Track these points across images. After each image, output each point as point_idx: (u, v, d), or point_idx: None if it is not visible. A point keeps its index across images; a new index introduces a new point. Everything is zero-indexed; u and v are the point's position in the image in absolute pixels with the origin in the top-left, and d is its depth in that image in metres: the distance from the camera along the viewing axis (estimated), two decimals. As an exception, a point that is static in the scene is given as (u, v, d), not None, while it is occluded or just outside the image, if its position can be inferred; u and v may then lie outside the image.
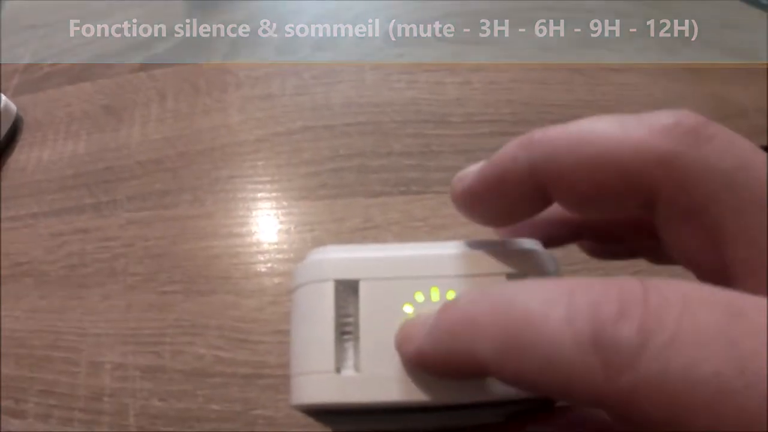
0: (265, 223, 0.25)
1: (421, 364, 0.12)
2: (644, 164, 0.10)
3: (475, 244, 0.15)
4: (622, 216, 0.12)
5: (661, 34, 0.33)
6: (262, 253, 0.24)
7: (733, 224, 0.10)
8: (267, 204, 0.26)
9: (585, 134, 0.11)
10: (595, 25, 0.33)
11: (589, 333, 0.08)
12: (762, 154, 0.10)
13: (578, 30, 0.32)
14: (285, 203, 0.26)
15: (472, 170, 0.13)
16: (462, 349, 0.10)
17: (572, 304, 0.09)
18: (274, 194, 0.26)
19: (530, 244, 0.15)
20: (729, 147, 0.10)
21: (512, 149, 0.12)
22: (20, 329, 0.24)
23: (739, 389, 0.08)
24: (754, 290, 0.10)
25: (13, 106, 0.31)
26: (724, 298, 0.08)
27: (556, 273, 0.15)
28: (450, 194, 0.13)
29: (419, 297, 0.14)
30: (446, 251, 0.15)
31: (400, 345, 0.13)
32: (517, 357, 0.09)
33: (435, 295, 0.14)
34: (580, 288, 0.09)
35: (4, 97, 0.30)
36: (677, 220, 0.11)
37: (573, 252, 0.21)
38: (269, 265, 0.24)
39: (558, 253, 0.15)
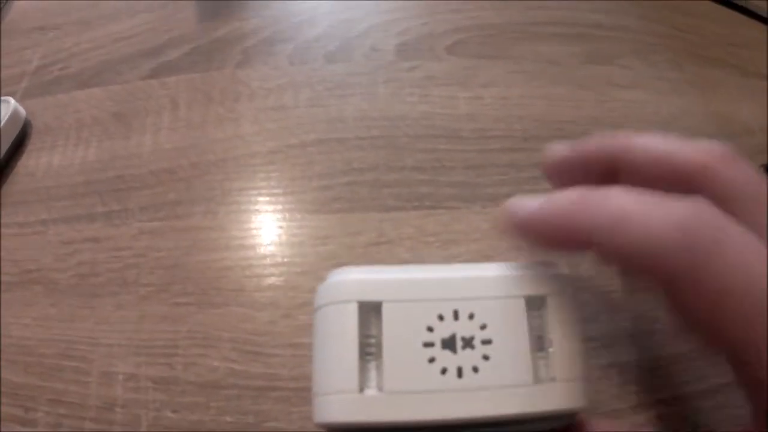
0: (278, 236, 0.25)
1: (533, 224, 0.15)
2: (692, 167, 0.14)
3: (495, 267, 0.15)
4: None
5: (669, 50, 0.33)
6: (275, 265, 0.24)
7: (747, 217, 0.13)
8: (280, 216, 0.26)
9: (654, 140, 0.15)
10: (603, 40, 0.33)
11: (680, 224, 0.12)
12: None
13: (587, 45, 0.33)
14: (298, 216, 0.26)
15: (563, 145, 0.17)
16: (579, 216, 0.13)
17: (669, 205, 0.13)
18: (287, 207, 0.26)
19: (548, 265, 0.15)
20: (747, 170, 0.14)
21: (599, 139, 0.16)
22: (30, 337, 0.24)
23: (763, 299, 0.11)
24: None
25: (22, 110, 0.31)
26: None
27: (572, 294, 0.15)
28: (542, 165, 0.18)
29: (441, 318, 0.14)
30: (467, 273, 0.15)
31: (511, 209, 0.15)
32: (626, 231, 0.12)
33: (456, 316, 0.14)
34: (672, 200, 0.13)
35: (12, 101, 0.30)
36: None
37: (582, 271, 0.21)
38: (282, 278, 0.24)
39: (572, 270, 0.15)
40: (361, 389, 0.14)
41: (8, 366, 0.23)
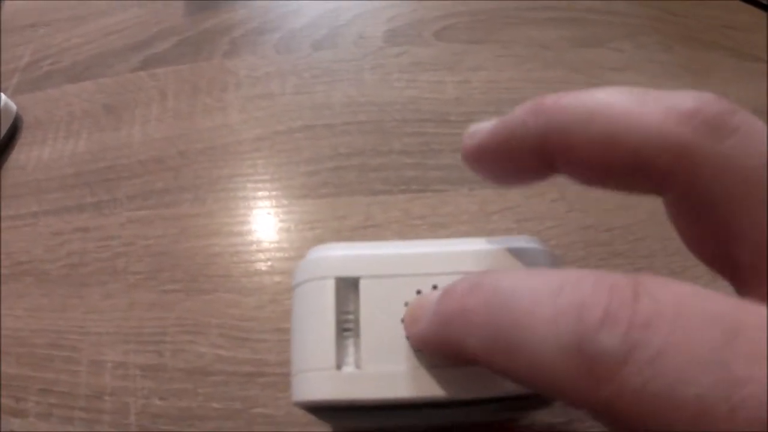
0: (266, 222, 0.25)
1: (423, 347, 0.13)
2: (658, 152, 0.09)
3: (474, 242, 0.15)
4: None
5: (660, 33, 0.33)
6: (262, 251, 0.24)
7: (745, 228, 0.09)
8: (267, 202, 0.26)
9: (599, 108, 0.10)
10: (595, 24, 0.33)
11: (572, 338, 0.08)
12: None
13: (577, 29, 0.33)
14: (285, 202, 0.26)
15: (483, 127, 0.13)
16: (455, 340, 0.11)
17: (558, 305, 0.08)
18: (274, 193, 0.26)
19: (528, 241, 0.15)
20: (750, 143, 0.09)
21: (523, 113, 0.11)
22: (21, 328, 0.24)
23: (723, 415, 0.07)
24: (762, 298, 0.09)
25: (12, 105, 0.31)
26: (722, 310, 0.08)
27: (555, 266, 0.15)
28: (461, 149, 0.13)
29: (419, 294, 0.14)
30: (445, 249, 0.15)
31: (407, 325, 0.13)
32: (505, 355, 0.09)
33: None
34: (569, 285, 0.09)
35: (3, 96, 0.30)
36: (688, 211, 0.10)
37: (573, 250, 0.21)
38: (270, 263, 0.24)
39: (559, 251, 0.15)
40: (339, 366, 0.13)
41: (2, 357, 0.23)
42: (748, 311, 0.08)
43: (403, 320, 0.14)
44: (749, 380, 0.07)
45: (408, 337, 0.13)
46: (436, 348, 0.12)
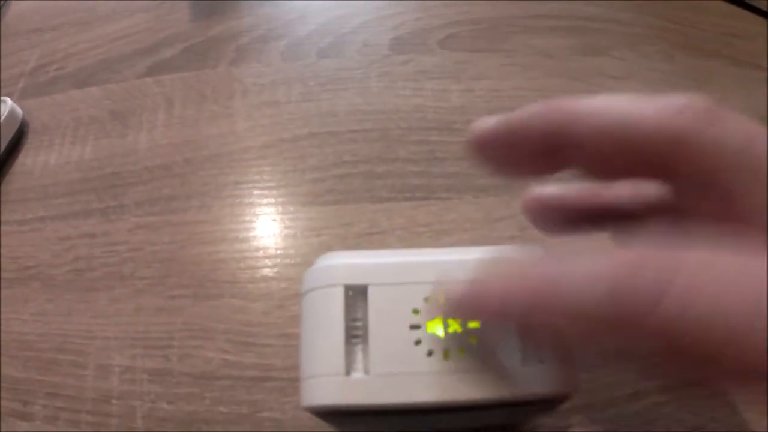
0: (272, 228, 0.25)
1: (462, 310, 0.13)
2: (659, 138, 0.11)
3: (480, 251, 0.15)
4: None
5: (662, 41, 0.33)
6: (268, 257, 0.24)
7: (745, 197, 0.11)
8: (273, 209, 0.26)
9: (605, 105, 0.12)
10: (596, 32, 0.33)
11: (610, 285, 0.09)
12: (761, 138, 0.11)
13: (580, 38, 0.33)
14: (291, 209, 0.26)
15: (492, 118, 0.13)
16: (496, 304, 0.11)
17: (595, 264, 0.10)
18: (280, 200, 0.26)
19: (531, 250, 0.15)
20: (737, 125, 0.11)
21: (533, 108, 0.12)
22: (28, 332, 0.24)
23: (758, 326, 0.08)
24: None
25: (19, 110, 0.31)
26: (735, 256, 0.09)
27: None
28: (469, 138, 0.14)
29: (427, 301, 0.14)
30: (452, 257, 0.15)
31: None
32: (551, 313, 0.10)
33: (442, 299, 0.14)
34: (600, 253, 0.10)
35: (9, 101, 0.31)
36: (694, 191, 0.11)
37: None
38: (276, 269, 0.24)
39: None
40: (348, 372, 0.14)
41: (8, 361, 0.23)
42: (756, 258, 0.09)
43: (412, 328, 0.14)
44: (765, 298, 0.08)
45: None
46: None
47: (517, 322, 0.12)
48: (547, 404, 0.15)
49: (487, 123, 0.13)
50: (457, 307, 0.13)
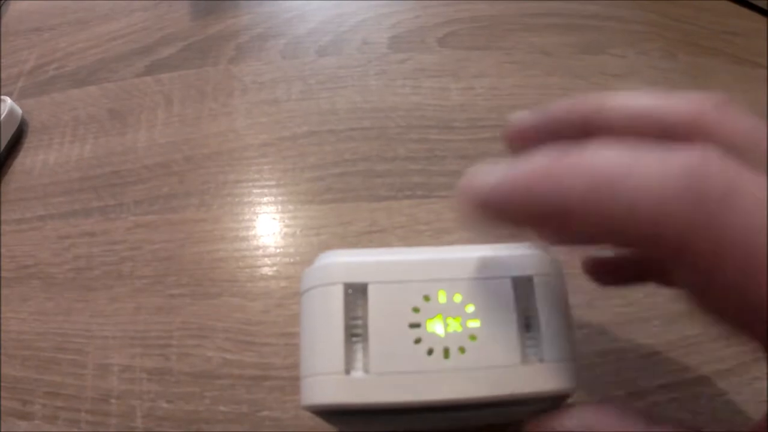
0: (271, 227, 0.25)
1: (496, 198, 0.12)
2: (680, 119, 0.12)
3: (480, 249, 0.15)
4: None
5: (662, 39, 0.33)
6: (268, 256, 0.24)
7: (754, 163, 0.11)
8: (273, 208, 0.26)
9: (634, 95, 0.13)
10: (597, 30, 0.33)
11: (683, 174, 0.09)
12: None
13: (580, 35, 0.33)
14: (291, 207, 0.26)
15: (529, 111, 0.14)
16: (547, 189, 0.11)
17: (663, 151, 0.10)
18: (280, 198, 0.26)
19: (532, 248, 0.15)
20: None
21: (570, 100, 0.14)
22: (27, 331, 0.24)
23: None
24: None
25: (18, 110, 0.31)
26: None
27: (558, 276, 0.15)
28: (504, 133, 0.15)
29: (426, 300, 0.14)
30: (452, 255, 0.15)
31: (472, 182, 0.12)
32: (608, 195, 0.10)
33: (442, 297, 0.14)
34: (662, 148, 0.10)
35: (9, 100, 0.31)
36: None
37: (576, 257, 0.21)
38: (275, 268, 0.24)
39: (562, 258, 0.15)
40: (348, 371, 0.14)
41: (7, 360, 0.23)
42: None
43: (412, 327, 0.14)
44: None
45: (472, 191, 0.12)
46: (514, 200, 0.11)
47: (561, 213, 0.11)
48: (546, 403, 0.15)
49: (526, 115, 0.14)
50: (493, 195, 0.12)
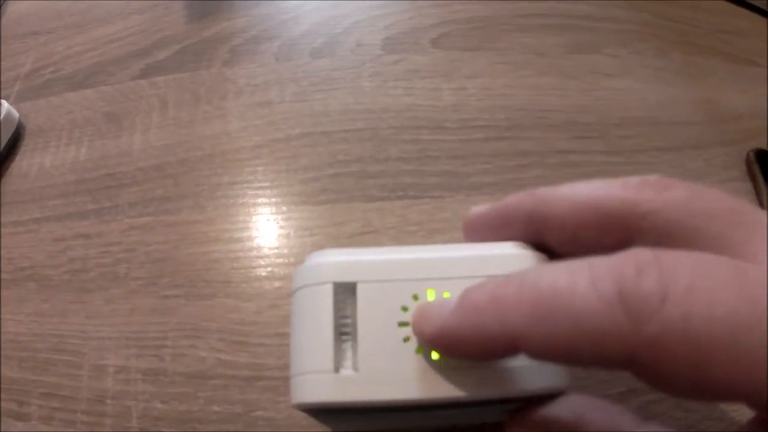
0: (265, 228, 0.26)
1: (443, 341, 0.12)
2: (624, 205, 0.13)
3: (468, 248, 0.15)
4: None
5: (655, 38, 0.33)
6: (262, 257, 0.25)
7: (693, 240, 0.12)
8: (267, 209, 0.26)
9: (575, 188, 0.14)
10: (589, 30, 0.34)
11: (614, 290, 0.10)
12: (708, 192, 0.12)
13: (572, 35, 0.33)
14: (284, 208, 0.26)
15: (485, 205, 0.16)
16: (491, 323, 0.11)
17: (594, 269, 0.10)
18: (273, 199, 0.26)
19: (522, 247, 0.15)
20: (684, 193, 0.12)
21: (518, 195, 0.15)
22: (23, 332, 0.24)
23: (754, 324, 0.09)
24: None
25: (15, 113, 0.31)
26: (728, 260, 0.10)
27: None
28: (462, 222, 0.17)
29: (415, 298, 0.14)
30: (440, 254, 0.15)
31: (420, 325, 0.13)
32: (550, 322, 0.10)
33: (431, 296, 0.14)
34: (597, 260, 0.11)
35: (6, 104, 0.31)
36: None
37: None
38: (269, 269, 0.24)
39: (550, 257, 0.15)
40: (337, 369, 0.14)
41: (3, 362, 0.23)
42: (744, 262, 0.10)
43: (401, 325, 0.14)
44: (761, 297, 0.09)
45: (420, 335, 0.13)
46: (459, 339, 0.12)
47: (510, 345, 0.11)
48: (538, 400, 0.15)
49: (481, 207, 0.16)
50: (438, 342, 0.13)
